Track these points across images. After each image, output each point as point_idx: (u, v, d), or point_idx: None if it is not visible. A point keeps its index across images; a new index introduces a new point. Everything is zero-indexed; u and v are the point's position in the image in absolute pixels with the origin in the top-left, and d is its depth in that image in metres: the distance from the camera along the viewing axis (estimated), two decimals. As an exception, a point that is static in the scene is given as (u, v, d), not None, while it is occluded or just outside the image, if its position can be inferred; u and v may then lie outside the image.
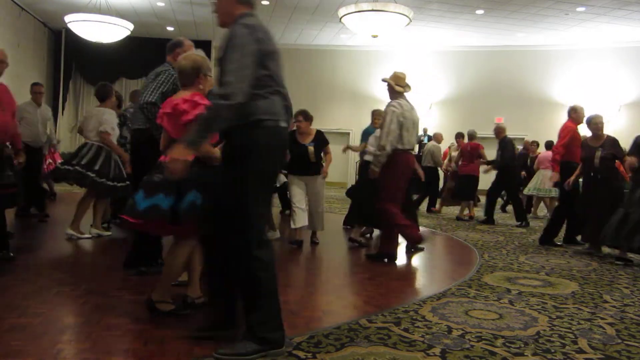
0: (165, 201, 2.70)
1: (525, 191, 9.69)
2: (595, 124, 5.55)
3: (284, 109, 2.48)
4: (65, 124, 15.46)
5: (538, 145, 10.93)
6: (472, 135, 8.97)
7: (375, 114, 6.39)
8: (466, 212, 8.91)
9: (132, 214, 2.76)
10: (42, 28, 14.72)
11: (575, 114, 6.08)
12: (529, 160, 10.39)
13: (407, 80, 5.05)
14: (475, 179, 8.91)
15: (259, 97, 2.35)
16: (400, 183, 4.93)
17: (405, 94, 5.01)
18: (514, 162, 8.72)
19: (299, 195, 5.45)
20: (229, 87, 2.23)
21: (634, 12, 11.98)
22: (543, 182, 9.12)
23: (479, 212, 9.36)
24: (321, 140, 5.51)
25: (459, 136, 9.61)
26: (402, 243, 5.58)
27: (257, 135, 2.36)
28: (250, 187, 2.37)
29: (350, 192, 6.99)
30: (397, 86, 4.97)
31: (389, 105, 4.90)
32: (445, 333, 2.80)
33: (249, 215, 2.37)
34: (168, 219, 2.69)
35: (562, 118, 15.30)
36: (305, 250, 5.36)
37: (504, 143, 8.29)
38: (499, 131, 8.44)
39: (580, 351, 2.61)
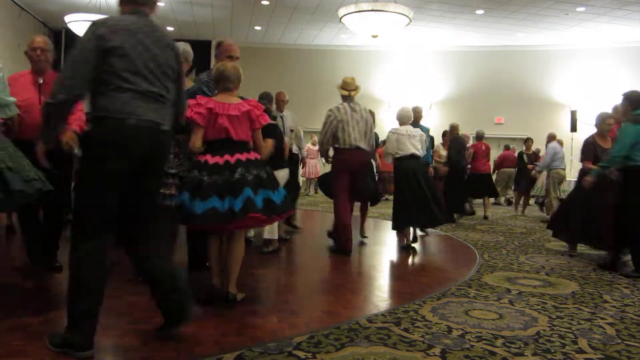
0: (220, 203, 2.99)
1: (536, 191, 9.63)
2: (608, 124, 5.45)
3: (146, 105, 2.39)
4: (65, 124, 15.47)
5: (533, 142, 10.89)
6: (480, 136, 9.19)
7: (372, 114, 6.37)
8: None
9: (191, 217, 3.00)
10: (42, 28, 14.71)
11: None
12: (525, 157, 10.33)
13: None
14: (490, 177, 9.37)
15: (99, 94, 2.34)
16: (338, 176, 5.25)
17: (355, 96, 5.36)
18: (464, 159, 8.70)
19: None
20: (54, 85, 2.28)
21: (634, 12, 11.98)
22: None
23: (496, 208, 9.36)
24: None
25: (446, 134, 9.60)
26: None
27: (93, 132, 2.40)
28: (82, 182, 2.47)
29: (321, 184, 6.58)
30: (341, 90, 5.37)
31: (328, 110, 5.31)
32: (445, 333, 2.80)
33: (77, 207, 2.47)
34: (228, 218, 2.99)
35: (562, 118, 15.47)
36: (304, 251, 5.36)
37: (457, 141, 8.28)
38: (452, 129, 8.47)
39: (580, 351, 2.61)
